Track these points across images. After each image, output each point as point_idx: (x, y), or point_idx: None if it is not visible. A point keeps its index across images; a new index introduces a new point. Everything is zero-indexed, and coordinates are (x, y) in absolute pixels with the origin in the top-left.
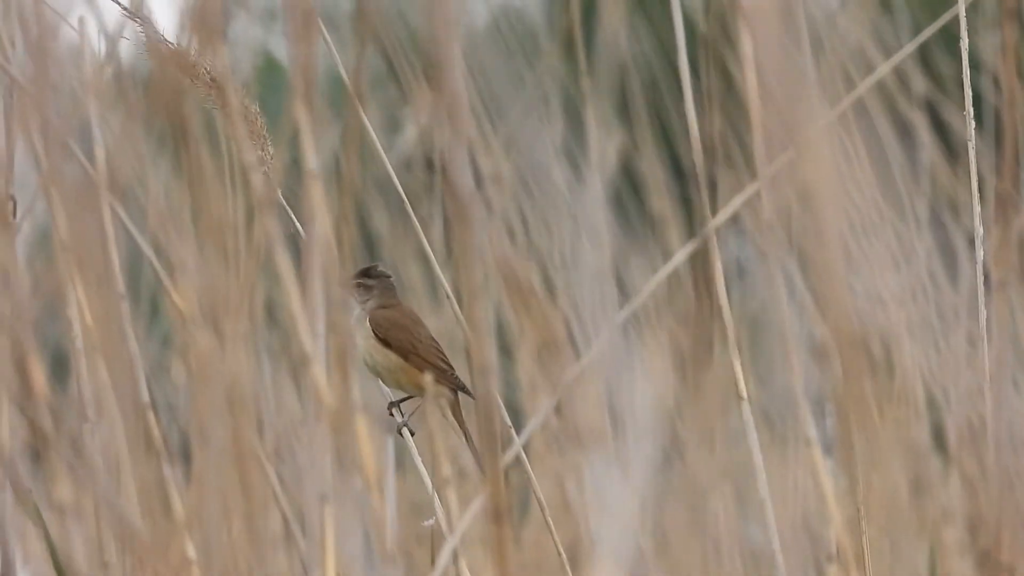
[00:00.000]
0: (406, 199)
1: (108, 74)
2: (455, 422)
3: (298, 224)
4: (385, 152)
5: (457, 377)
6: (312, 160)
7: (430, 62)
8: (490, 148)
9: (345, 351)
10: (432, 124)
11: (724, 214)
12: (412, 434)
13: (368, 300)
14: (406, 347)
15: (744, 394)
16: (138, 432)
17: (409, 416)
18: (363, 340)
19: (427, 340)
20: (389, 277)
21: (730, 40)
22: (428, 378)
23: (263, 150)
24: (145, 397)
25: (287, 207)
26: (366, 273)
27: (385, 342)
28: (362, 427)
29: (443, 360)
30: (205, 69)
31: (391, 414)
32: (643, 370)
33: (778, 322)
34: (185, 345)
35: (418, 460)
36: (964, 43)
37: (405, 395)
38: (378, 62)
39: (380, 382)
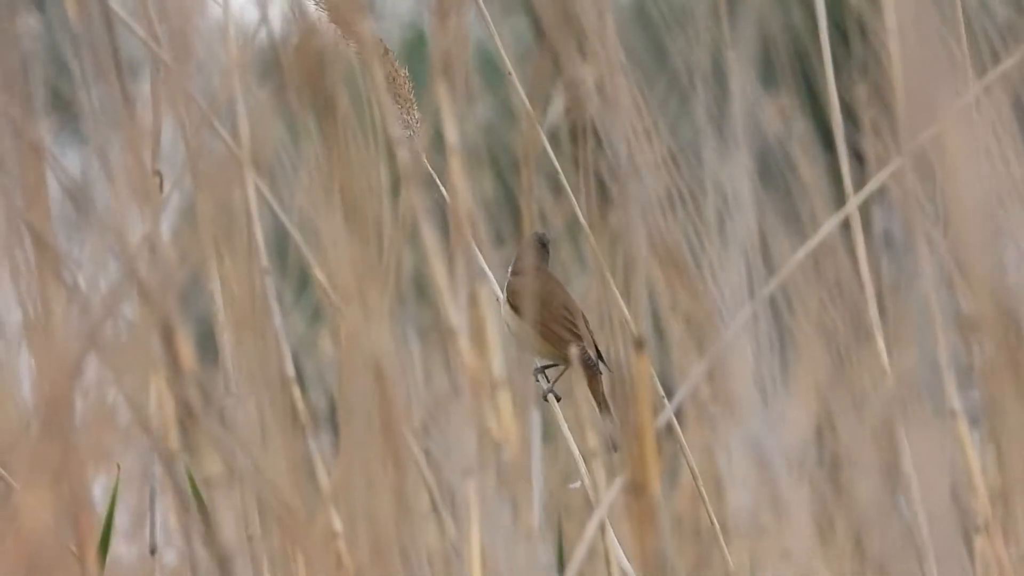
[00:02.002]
0: (560, 170)
1: (253, 48)
2: (591, 394)
3: (445, 195)
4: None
5: (585, 350)
6: (453, 133)
7: (582, 32)
8: (639, 121)
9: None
10: (582, 96)
11: (869, 187)
12: (558, 399)
13: (515, 265)
14: (535, 315)
15: (887, 368)
16: (284, 406)
17: (554, 382)
18: (501, 307)
19: (558, 310)
20: (547, 245)
21: (877, 11)
22: (573, 350)
23: (409, 114)
24: (290, 371)
25: (436, 179)
26: (533, 240)
27: (517, 309)
28: (507, 399)
29: (572, 332)
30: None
31: (536, 380)
32: (791, 343)
33: (923, 293)
34: (331, 319)
35: (564, 427)
36: None
37: (551, 362)
38: (527, 32)
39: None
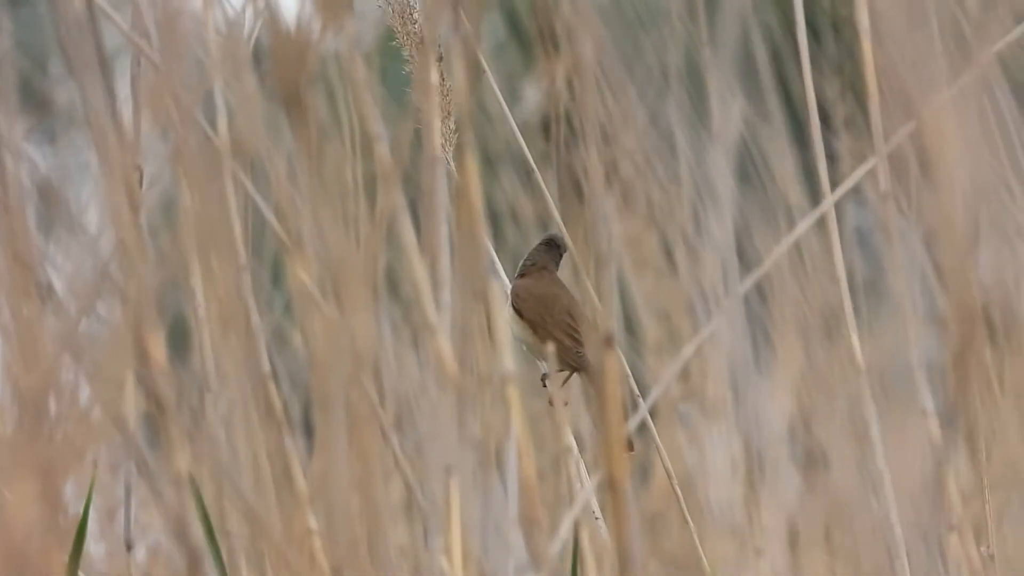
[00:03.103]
0: (535, 166)
1: (231, 44)
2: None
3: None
4: (501, 120)
5: (581, 354)
6: (466, 130)
7: (559, 29)
8: (613, 117)
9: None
10: (555, 91)
11: (844, 187)
12: (565, 404)
13: (523, 268)
14: (535, 320)
15: (862, 365)
16: (258, 402)
17: (556, 388)
18: (507, 310)
19: (559, 314)
20: (561, 248)
21: (850, 9)
22: (548, 349)
23: (446, 124)
24: (266, 367)
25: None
26: (548, 241)
27: (520, 313)
28: (516, 394)
29: (571, 336)
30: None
31: (544, 384)
32: (767, 341)
33: (895, 292)
34: (306, 315)
35: (568, 433)
36: None
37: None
38: (499, 29)
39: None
